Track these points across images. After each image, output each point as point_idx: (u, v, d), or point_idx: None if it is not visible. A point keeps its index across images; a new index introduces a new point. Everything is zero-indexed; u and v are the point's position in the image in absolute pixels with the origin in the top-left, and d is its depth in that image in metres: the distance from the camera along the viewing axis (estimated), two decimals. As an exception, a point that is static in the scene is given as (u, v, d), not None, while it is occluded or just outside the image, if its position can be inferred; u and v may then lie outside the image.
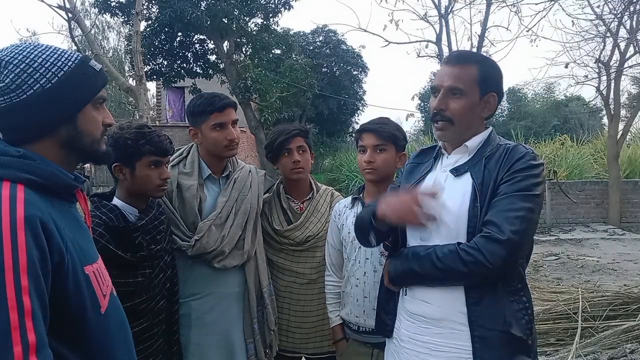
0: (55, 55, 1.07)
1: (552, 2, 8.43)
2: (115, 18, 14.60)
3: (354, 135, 2.30)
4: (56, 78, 1.05)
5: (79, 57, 1.10)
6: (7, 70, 1.02)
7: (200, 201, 2.03)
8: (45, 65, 1.05)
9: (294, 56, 16.20)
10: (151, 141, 1.71)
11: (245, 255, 2.06)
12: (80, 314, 1.03)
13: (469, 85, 1.51)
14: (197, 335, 1.99)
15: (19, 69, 1.02)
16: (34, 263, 0.92)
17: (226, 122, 2.02)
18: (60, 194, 1.08)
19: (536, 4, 8.50)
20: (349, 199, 2.15)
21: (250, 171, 2.21)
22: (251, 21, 14.54)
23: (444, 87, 1.52)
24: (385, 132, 1.99)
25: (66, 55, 1.09)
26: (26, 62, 1.03)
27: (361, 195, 2.10)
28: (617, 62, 11.17)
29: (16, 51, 1.05)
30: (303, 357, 2.31)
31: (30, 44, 1.08)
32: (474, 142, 1.56)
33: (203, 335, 2.01)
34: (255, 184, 2.18)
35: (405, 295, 1.58)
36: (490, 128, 1.61)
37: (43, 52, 1.06)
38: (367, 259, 1.98)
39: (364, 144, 2.02)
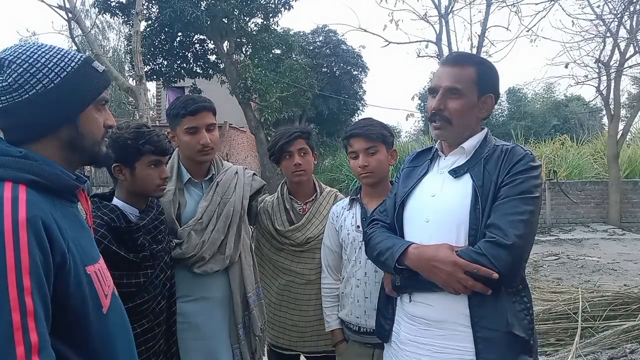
0: (59, 56, 1.07)
1: (552, 2, 8.44)
2: (115, 18, 14.60)
3: (342, 141, 2.27)
4: (59, 78, 1.05)
5: (82, 58, 1.10)
6: (10, 70, 1.03)
7: (179, 206, 1.98)
8: (48, 66, 1.05)
9: (294, 56, 16.20)
10: (150, 140, 1.70)
11: (227, 260, 2.01)
12: (83, 314, 1.03)
13: (467, 86, 1.51)
14: (181, 340, 1.94)
15: (21, 69, 1.03)
16: (36, 263, 0.92)
17: (199, 126, 1.95)
18: (62, 194, 1.08)
19: (536, 4, 8.51)
20: (347, 200, 2.14)
21: (236, 172, 2.15)
22: (251, 21, 14.54)
23: (443, 87, 1.52)
24: (374, 133, 1.98)
25: (69, 56, 1.09)
26: (29, 62, 1.04)
27: (359, 196, 2.10)
28: (617, 62, 11.16)
29: (19, 51, 1.05)
30: (301, 356, 2.32)
31: (33, 44, 1.08)
32: (471, 143, 1.56)
33: (187, 340, 1.97)
34: (241, 185, 2.12)
35: (410, 302, 1.56)
36: (486, 129, 1.61)
37: (46, 52, 1.06)
38: (368, 259, 1.98)
39: (355, 149, 2.00)
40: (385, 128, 2.05)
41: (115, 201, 1.73)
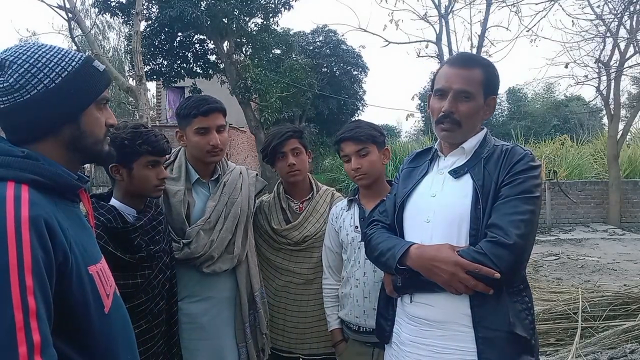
0: (59, 56, 1.07)
1: (552, 2, 8.43)
2: (115, 18, 14.60)
3: (334, 146, 2.28)
4: (60, 78, 1.05)
5: (82, 58, 1.11)
6: (11, 70, 1.03)
7: (188, 206, 1.99)
8: (49, 66, 1.05)
9: (294, 56, 16.19)
10: (148, 141, 1.70)
11: (235, 260, 2.03)
12: (84, 314, 1.04)
13: (476, 89, 1.52)
14: (187, 340, 1.95)
15: (22, 69, 1.03)
16: (38, 263, 0.92)
17: (210, 127, 1.97)
18: (64, 194, 1.08)
19: (536, 4, 8.50)
20: (345, 201, 2.15)
21: (240, 173, 2.17)
22: (251, 21, 14.53)
23: (454, 89, 1.51)
24: (363, 135, 1.99)
25: (70, 56, 1.09)
26: (30, 62, 1.04)
27: (357, 196, 2.10)
28: (617, 62, 11.17)
29: (20, 51, 1.05)
30: (300, 358, 2.31)
31: (34, 44, 1.08)
32: (471, 143, 1.56)
33: (193, 340, 1.98)
34: (246, 186, 2.15)
35: (411, 302, 1.57)
36: (485, 129, 1.62)
37: (47, 52, 1.06)
38: (367, 259, 1.98)
39: (346, 152, 2.02)
40: (375, 128, 2.05)
41: (113, 201, 1.73)
